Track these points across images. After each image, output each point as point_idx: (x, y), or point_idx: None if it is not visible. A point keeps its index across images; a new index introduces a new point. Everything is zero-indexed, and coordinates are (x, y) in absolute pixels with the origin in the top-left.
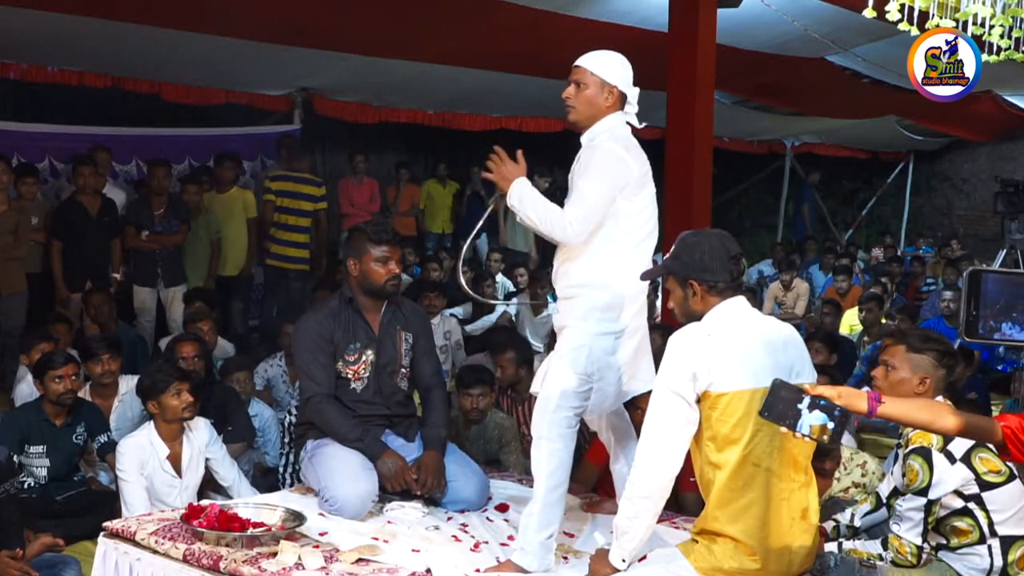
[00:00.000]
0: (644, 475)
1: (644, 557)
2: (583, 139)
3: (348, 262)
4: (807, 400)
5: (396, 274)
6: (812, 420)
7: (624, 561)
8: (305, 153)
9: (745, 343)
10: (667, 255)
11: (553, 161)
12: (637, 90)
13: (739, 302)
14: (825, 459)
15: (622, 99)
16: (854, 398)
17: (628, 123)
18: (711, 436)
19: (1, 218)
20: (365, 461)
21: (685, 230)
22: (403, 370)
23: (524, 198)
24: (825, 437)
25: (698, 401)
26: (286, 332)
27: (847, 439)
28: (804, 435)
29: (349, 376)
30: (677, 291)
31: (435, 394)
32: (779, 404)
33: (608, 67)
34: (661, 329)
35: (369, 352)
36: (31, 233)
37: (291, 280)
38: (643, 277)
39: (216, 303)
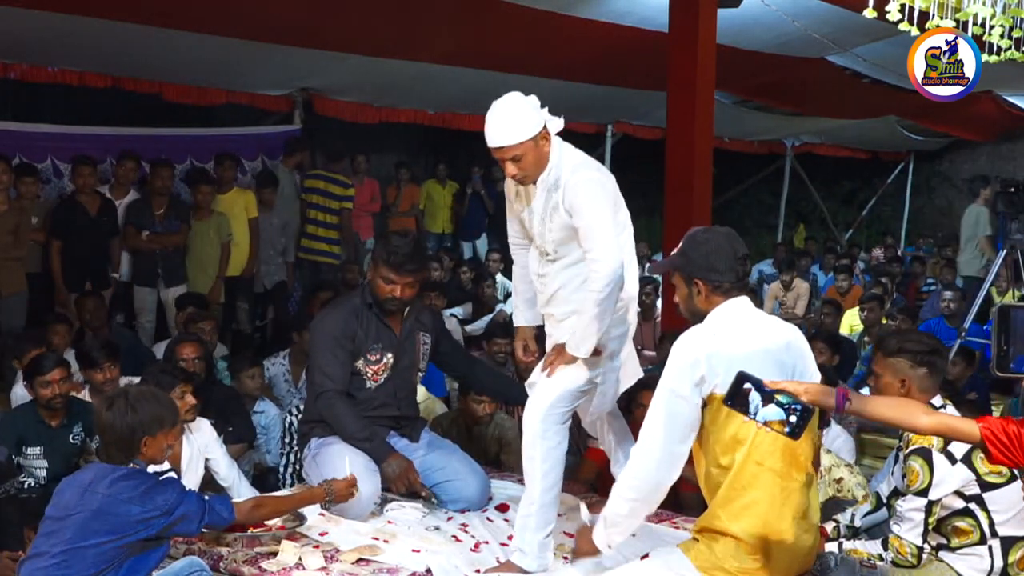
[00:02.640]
0: (642, 479)
1: (646, 555)
2: (544, 183)
3: (371, 264)
4: (764, 393)
5: (395, 298)
6: (770, 414)
7: (610, 547)
8: (342, 155)
9: (749, 344)
10: (675, 251)
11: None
12: (545, 107)
13: (743, 302)
14: None
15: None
16: (821, 395)
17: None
18: (717, 438)
19: (1, 218)
20: (369, 462)
21: (685, 230)
22: (420, 371)
23: (584, 341)
24: (786, 429)
25: (704, 404)
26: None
27: (847, 451)
28: (762, 424)
29: (367, 375)
30: (682, 288)
31: (478, 365)
32: (739, 394)
33: (525, 124)
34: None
35: (389, 355)
36: (31, 233)
37: (323, 273)
38: (651, 271)
39: (208, 306)
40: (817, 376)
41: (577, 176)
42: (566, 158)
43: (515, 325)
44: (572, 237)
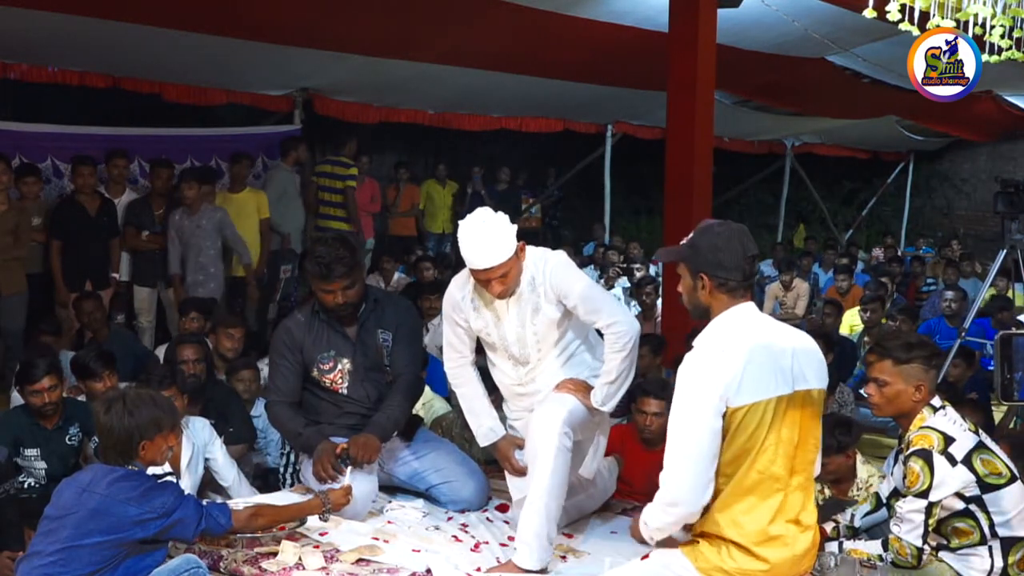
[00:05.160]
0: (678, 505)
1: (646, 556)
2: (527, 282)
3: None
4: None
5: (340, 304)
6: None
7: (652, 540)
8: (345, 141)
9: (757, 355)
10: (685, 239)
11: (553, 161)
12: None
13: (748, 308)
14: (840, 481)
15: None
16: None
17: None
18: (726, 448)
19: (1, 218)
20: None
21: (685, 230)
22: (388, 369)
23: (611, 399)
24: None
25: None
26: None
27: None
28: None
29: (327, 384)
30: (687, 279)
31: (400, 381)
32: None
33: (508, 241)
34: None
35: (345, 361)
36: (32, 233)
37: None
38: (656, 256)
39: (211, 311)
40: (824, 383)
41: (549, 266)
42: (531, 258)
43: (486, 445)
44: (559, 325)
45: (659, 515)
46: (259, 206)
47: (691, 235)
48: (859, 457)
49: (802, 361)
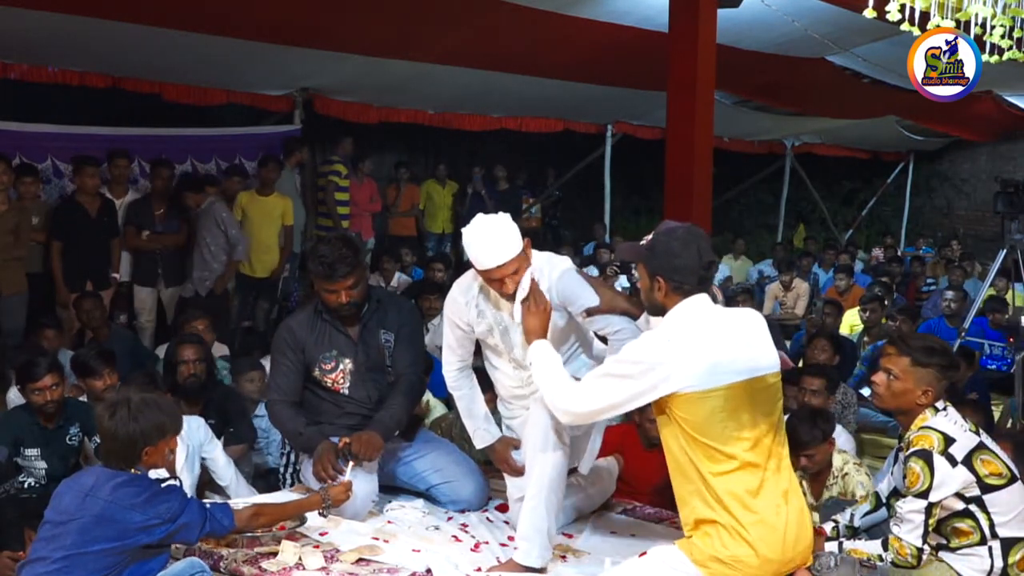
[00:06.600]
0: (562, 400)
1: (643, 553)
2: (535, 280)
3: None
4: None
5: (344, 304)
6: None
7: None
8: (341, 140)
9: (706, 342)
10: (645, 240)
11: (553, 161)
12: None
13: (700, 300)
14: (820, 473)
15: None
16: None
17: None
18: (683, 433)
19: (1, 218)
20: (366, 463)
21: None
22: (390, 369)
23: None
24: None
25: (655, 403)
26: None
27: (847, 450)
28: None
29: (328, 384)
30: (644, 280)
31: (401, 382)
32: None
33: (515, 236)
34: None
35: (347, 361)
36: (32, 233)
37: None
38: (618, 254)
39: (208, 309)
40: (777, 365)
41: (555, 273)
42: (537, 263)
43: (483, 447)
44: (563, 331)
45: (544, 387)
46: (284, 212)
47: (651, 235)
48: None
49: (756, 348)
